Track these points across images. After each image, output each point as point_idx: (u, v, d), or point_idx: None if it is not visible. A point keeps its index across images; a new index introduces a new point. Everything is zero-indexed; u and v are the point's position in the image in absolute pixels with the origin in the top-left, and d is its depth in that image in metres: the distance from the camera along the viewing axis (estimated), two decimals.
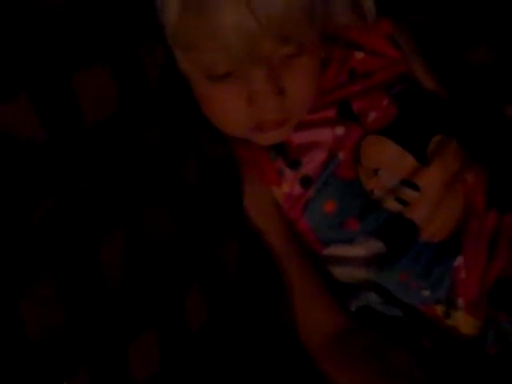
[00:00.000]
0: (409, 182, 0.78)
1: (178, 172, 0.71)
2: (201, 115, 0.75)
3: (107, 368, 0.63)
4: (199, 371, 0.69)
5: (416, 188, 0.78)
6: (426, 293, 0.77)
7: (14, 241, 0.60)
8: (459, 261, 0.76)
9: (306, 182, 0.79)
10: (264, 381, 0.73)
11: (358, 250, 0.78)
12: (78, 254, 0.63)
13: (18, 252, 0.60)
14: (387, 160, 0.79)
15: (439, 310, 0.77)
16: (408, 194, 0.78)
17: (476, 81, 0.86)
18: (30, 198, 0.61)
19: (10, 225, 0.60)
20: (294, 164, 0.79)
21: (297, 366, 0.75)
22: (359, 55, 0.81)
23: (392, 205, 0.78)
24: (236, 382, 0.71)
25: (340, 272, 0.80)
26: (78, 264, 0.63)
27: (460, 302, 0.76)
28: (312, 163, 0.79)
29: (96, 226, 0.64)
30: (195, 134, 0.75)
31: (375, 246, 0.78)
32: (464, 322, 0.76)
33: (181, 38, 0.69)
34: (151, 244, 0.67)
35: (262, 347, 0.74)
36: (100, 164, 0.65)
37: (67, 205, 0.63)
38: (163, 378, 0.66)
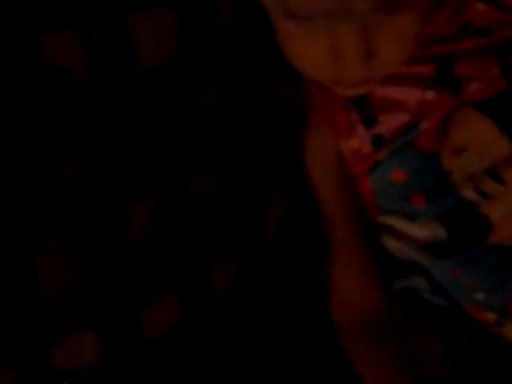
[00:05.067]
0: (495, 173, 0.67)
1: (232, 126, 0.64)
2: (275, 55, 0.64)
3: (118, 327, 0.62)
4: (218, 335, 0.67)
5: (501, 181, 0.67)
6: (481, 295, 0.69)
7: (42, 192, 0.57)
8: None
9: (378, 141, 0.69)
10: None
11: (417, 231, 0.70)
12: (105, 213, 0.59)
13: (42, 205, 0.57)
14: (478, 141, 0.67)
15: (491, 316, 0.69)
16: (491, 185, 0.67)
17: None
18: (65, 148, 0.57)
19: (41, 175, 0.57)
20: (369, 121, 0.69)
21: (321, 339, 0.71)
22: (481, 6, 0.66)
23: (469, 193, 0.67)
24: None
25: (392, 244, 0.72)
26: (104, 223, 0.59)
27: None
28: (389, 123, 0.69)
29: (129, 189, 0.59)
30: (264, 76, 0.66)
31: (437, 231, 0.69)
32: None
33: None
34: (188, 205, 0.62)
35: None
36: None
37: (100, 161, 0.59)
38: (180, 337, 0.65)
